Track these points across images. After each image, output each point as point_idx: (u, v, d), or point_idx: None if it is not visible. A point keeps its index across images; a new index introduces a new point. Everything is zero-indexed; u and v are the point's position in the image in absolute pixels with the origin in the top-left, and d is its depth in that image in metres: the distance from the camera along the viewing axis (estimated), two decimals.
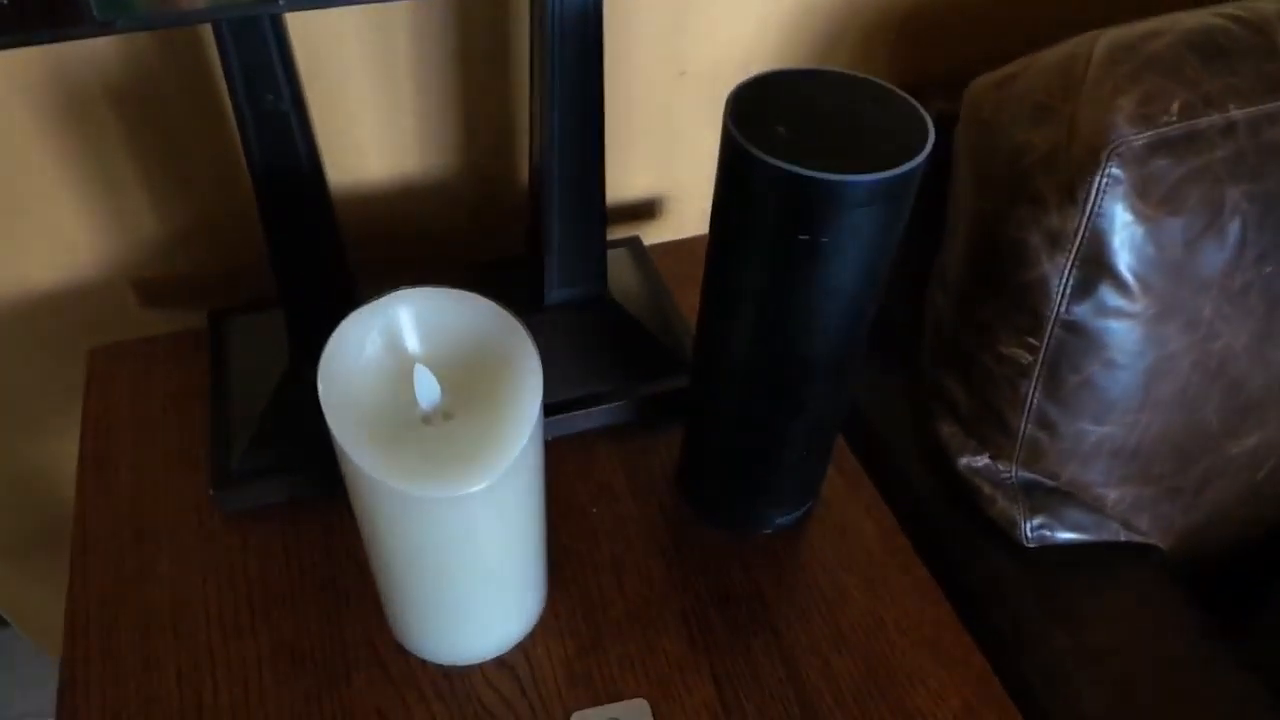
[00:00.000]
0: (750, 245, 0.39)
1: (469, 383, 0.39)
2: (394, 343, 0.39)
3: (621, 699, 0.45)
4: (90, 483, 0.53)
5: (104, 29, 0.29)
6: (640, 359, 0.57)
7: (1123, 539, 0.65)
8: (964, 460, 0.64)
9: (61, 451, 0.71)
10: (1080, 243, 0.53)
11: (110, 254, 0.62)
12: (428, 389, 0.38)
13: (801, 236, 0.37)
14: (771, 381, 0.44)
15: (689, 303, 0.61)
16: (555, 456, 0.55)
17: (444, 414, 0.39)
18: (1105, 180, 0.51)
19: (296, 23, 0.53)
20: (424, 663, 0.46)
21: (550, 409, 0.54)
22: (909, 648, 0.48)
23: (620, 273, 0.63)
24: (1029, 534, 0.64)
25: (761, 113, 0.38)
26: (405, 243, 0.68)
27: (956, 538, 0.66)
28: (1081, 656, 0.59)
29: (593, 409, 0.55)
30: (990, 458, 0.63)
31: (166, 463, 0.54)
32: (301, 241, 0.50)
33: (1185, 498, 0.65)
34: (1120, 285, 0.53)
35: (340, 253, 0.53)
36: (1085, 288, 0.54)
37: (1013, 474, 0.63)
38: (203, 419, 0.55)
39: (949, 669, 0.48)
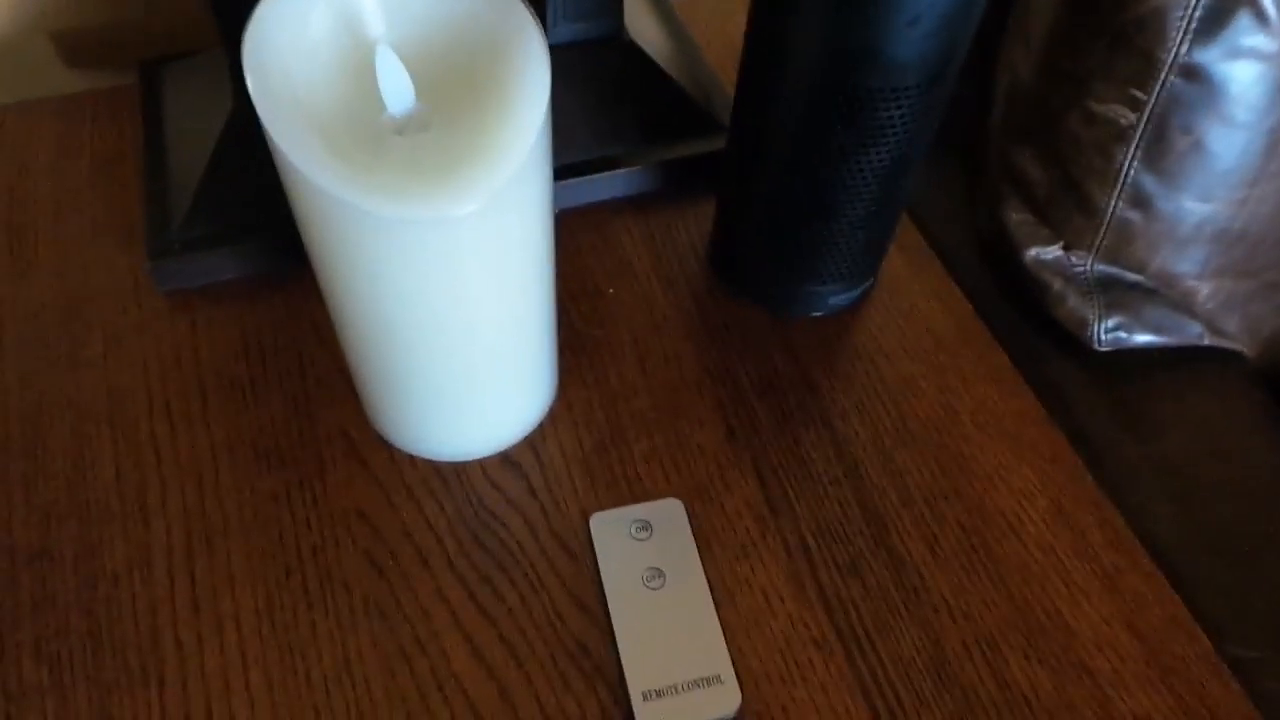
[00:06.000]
0: None
1: (451, 79, 0.29)
2: (349, 21, 0.29)
3: (650, 499, 0.38)
4: (5, 259, 0.44)
5: None
6: (665, 116, 0.47)
7: (1206, 343, 0.57)
8: (1032, 252, 0.56)
9: None
10: None
11: (21, 1, 0.51)
12: (396, 84, 0.28)
13: None
14: (845, 100, 0.34)
15: (718, 62, 0.51)
16: (564, 231, 0.46)
17: (420, 121, 0.29)
18: None
19: None
20: (412, 459, 0.39)
21: (557, 173, 0.45)
22: (987, 443, 0.41)
23: (636, 21, 0.52)
24: (1102, 336, 0.55)
25: None
26: None
27: (1015, 342, 0.58)
28: (1153, 468, 0.52)
29: (610, 174, 0.46)
30: (1064, 248, 0.55)
31: (96, 237, 0.45)
32: None
33: None
34: (1260, 15, 0.43)
35: None
36: (1216, 19, 0.44)
37: (1088, 267, 0.54)
38: (136, 185, 0.46)
39: (1034, 466, 0.40)
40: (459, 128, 0.29)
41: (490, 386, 0.36)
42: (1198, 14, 0.44)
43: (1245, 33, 0.44)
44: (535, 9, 0.46)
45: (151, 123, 0.46)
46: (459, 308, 0.31)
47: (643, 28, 0.52)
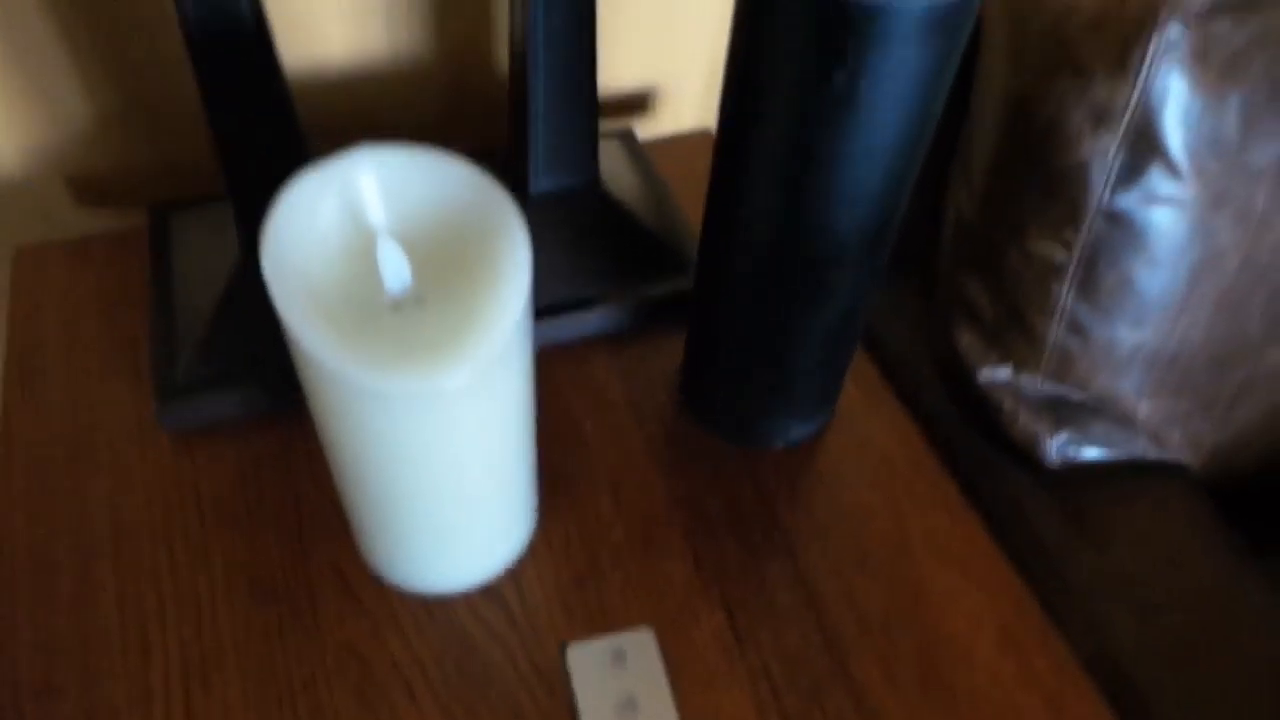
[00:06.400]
0: (776, 92, 0.33)
1: (444, 262, 0.33)
2: (354, 213, 0.33)
3: (624, 628, 0.40)
4: (17, 396, 0.47)
5: None
6: (638, 258, 0.51)
7: (1151, 456, 0.61)
8: (984, 372, 0.60)
9: None
10: (1130, 119, 0.47)
11: (38, 146, 0.55)
12: (395, 267, 0.32)
13: (836, 78, 0.31)
14: (794, 264, 0.38)
15: (688, 202, 0.55)
16: (544, 367, 0.50)
17: (415, 300, 0.33)
18: (1162, 44, 0.45)
19: None
20: (401, 592, 0.41)
21: (538, 312, 0.49)
22: (939, 569, 0.44)
23: (612, 167, 0.56)
24: (1053, 452, 0.59)
25: None
26: (370, 134, 0.61)
27: (973, 458, 0.61)
28: (1107, 580, 0.55)
29: (586, 313, 0.50)
30: (1014, 369, 0.59)
31: (103, 375, 0.48)
32: (248, 119, 0.44)
33: (1219, 411, 0.61)
34: (1171, 168, 0.48)
35: (295, 134, 0.46)
36: (1132, 172, 0.48)
37: (1036, 387, 0.58)
38: (143, 327, 0.49)
39: (984, 591, 0.43)
40: (450, 306, 0.32)
41: (475, 528, 0.39)
42: (1116, 166, 0.49)
43: (1160, 181, 0.48)
44: (519, 164, 0.50)
45: (159, 267, 0.50)
46: (448, 465, 0.34)
47: (618, 172, 0.57)
